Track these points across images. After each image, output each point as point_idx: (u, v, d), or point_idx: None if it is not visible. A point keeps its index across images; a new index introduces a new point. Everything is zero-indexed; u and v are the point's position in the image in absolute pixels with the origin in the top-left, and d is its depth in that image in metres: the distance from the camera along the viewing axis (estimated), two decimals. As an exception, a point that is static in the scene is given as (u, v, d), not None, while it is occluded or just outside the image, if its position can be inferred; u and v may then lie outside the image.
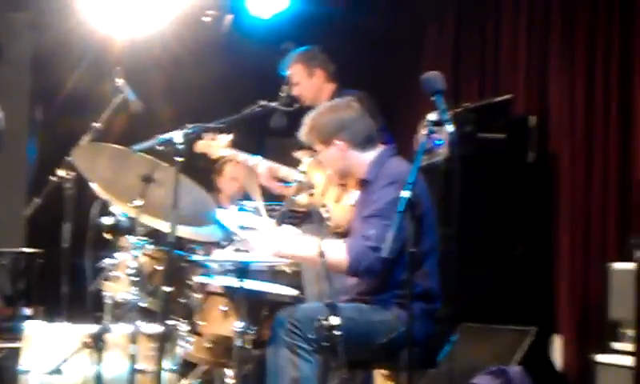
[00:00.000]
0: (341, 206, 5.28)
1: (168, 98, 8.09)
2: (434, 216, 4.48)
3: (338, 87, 5.73)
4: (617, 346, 5.00)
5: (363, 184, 4.56)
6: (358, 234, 4.28)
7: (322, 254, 4.01)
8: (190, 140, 4.26)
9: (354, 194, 5.23)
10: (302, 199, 5.07)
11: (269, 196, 6.17)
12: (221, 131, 6.01)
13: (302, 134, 4.66)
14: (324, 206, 4.95)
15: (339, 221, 5.10)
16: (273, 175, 5.88)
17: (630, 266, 4.99)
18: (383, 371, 4.81)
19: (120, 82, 5.35)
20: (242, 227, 4.86)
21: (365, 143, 4.55)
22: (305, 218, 5.80)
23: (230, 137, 6.08)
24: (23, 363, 4.36)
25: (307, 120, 4.67)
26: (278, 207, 5.86)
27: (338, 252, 4.24)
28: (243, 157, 6.09)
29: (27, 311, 7.20)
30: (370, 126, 4.60)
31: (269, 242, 4.32)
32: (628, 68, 6.03)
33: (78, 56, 8.38)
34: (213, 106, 6.42)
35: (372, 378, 4.88)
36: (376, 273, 4.22)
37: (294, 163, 5.64)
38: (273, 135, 6.40)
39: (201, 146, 6.20)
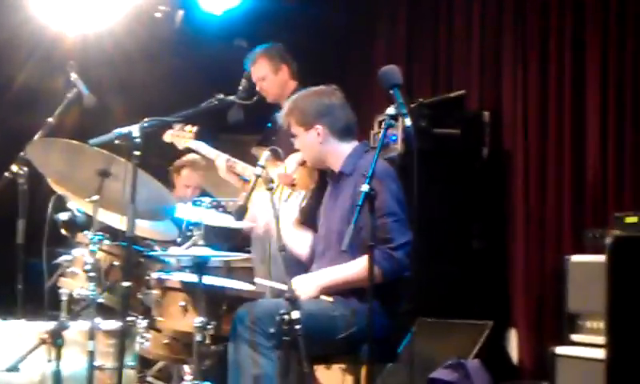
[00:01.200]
0: (288, 205, 5.27)
1: (120, 93, 8.01)
2: (406, 214, 4.42)
3: (299, 86, 5.71)
4: (575, 337, 5.04)
5: (337, 177, 4.54)
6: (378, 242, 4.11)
7: (282, 248, 3.99)
8: (147, 134, 4.21)
9: (301, 195, 5.23)
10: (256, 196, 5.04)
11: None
12: (183, 123, 5.99)
13: (282, 114, 4.62)
14: (272, 203, 4.90)
15: (287, 220, 5.09)
16: (231, 169, 5.86)
17: (587, 258, 5.04)
18: (342, 365, 4.80)
19: (73, 76, 5.27)
20: (197, 224, 4.84)
21: (344, 133, 4.53)
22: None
23: (195, 128, 6.06)
24: (-20, 361, 4.30)
25: (289, 101, 4.64)
26: (232, 202, 5.88)
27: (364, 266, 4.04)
28: (205, 149, 6.07)
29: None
30: (350, 117, 4.58)
31: (314, 281, 4.33)
32: (581, 64, 6.09)
33: (28, 51, 8.27)
34: (165, 101, 6.36)
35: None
36: (408, 268, 4.25)
37: (250, 159, 5.62)
38: (228, 131, 6.37)
39: (169, 136, 6.17)
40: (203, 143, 6.11)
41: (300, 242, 4.56)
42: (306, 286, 4.30)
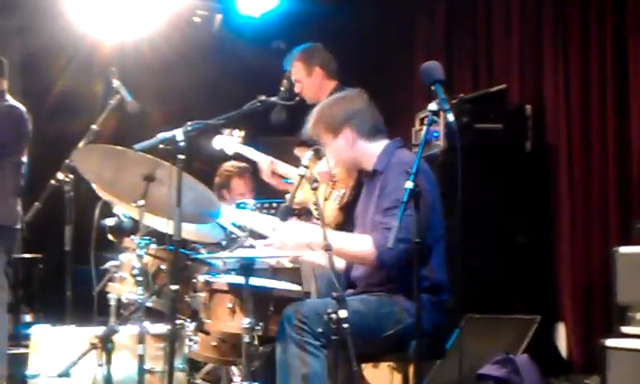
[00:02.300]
0: (329, 204, 5.27)
1: (159, 99, 8.07)
2: (440, 207, 4.44)
3: (339, 85, 5.70)
4: (626, 329, 4.98)
5: (371, 175, 4.53)
6: (381, 227, 4.23)
7: (328, 248, 3.98)
8: (190, 137, 4.22)
9: (341, 193, 5.23)
10: (299, 196, 5.04)
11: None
12: (224, 127, 6.03)
13: (309, 126, 4.61)
14: (315, 203, 4.90)
15: (328, 219, 5.09)
16: (274, 171, 5.89)
17: (635, 249, 4.99)
18: (391, 363, 4.80)
19: (116, 82, 5.31)
20: (238, 226, 4.85)
21: (373, 134, 4.51)
22: (302, 215, 5.78)
23: (243, 133, 6.10)
24: (31, 368, 4.33)
25: (314, 112, 4.64)
26: (276, 204, 5.89)
27: (364, 245, 4.21)
28: (251, 153, 6.10)
29: (28, 317, 7.20)
30: (377, 118, 4.57)
31: (298, 235, 4.30)
32: (623, 54, 6.05)
33: (67, 59, 8.36)
34: (204, 105, 6.41)
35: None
36: (402, 264, 4.16)
37: (293, 161, 5.63)
38: (270, 133, 6.39)
39: (218, 142, 6.22)
40: (250, 147, 6.15)
41: (362, 242, 4.50)
42: (291, 237, 4.29)
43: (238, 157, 6.47)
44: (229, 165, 6.79)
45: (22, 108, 5.92)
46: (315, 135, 4.59)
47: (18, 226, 5.86)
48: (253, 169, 6.47)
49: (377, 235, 4.19)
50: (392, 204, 4.21)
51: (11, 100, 5.94)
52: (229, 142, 6.19)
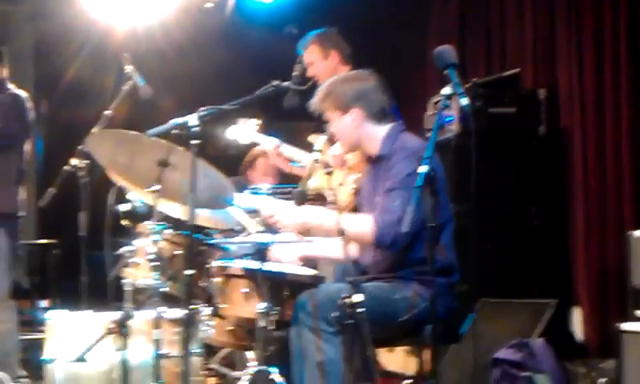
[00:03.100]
0: (344, 188, 5.27)
1: (171, 85, 8.06)
2: (447, 190, 4.44)
3: (353, 69, 5.69)
4: (641, 313, 4.99)
5: (375, 160, 4.52)
6: (381, 208, 4.24)
7: (342, 231, 3.98)
8: (204, 123, 4.22)
9: (355, 177, 5.23)
10: (313, 182, 5.04)
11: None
12: (239, 115, 6.02)
13: (317, 100, 4.58)
14: (330, 189, 4.91)
15: (343, 204, 5.09)
16: (279, 154, 5.90)
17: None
18: (405, 348, 4.79)
19: (129, 67, 5.31)
20: (254, 210, 4.85)
21: (380, 116, 4.50)
22: (317, 200, 5.79)
23: (259, 121, 6.09)
24: (48, 353, 4.35)
25: (324, 86, 4.61)
26: (290, 189, 5.88)
27: (363, 225, 4.22)
28: (261, 139, 6.11)
29: (44, 303, 7.22)
30: (386, 100, 4.55)
31: (294, 215, 4.29)
32: (636, 37, 6.02)
33: (80, 45, 8.37)
34: (217, 91, 6.38)
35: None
36: (401, 245, 4.18)
37: (306, 146, 5.63)
38: (283, 118, 6.38)
39: (232, 132, 6.21)
40: (262, 135, 6.16)
41: (361, 222, 4.49)
42: (288, 217, 4.31)
43: (252, 146, 6.46)
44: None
45: (25, 95, 5.91)
46: (322, 110, 4.57)
47: (22, 214, 5.89)
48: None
49: (376, 215, 4.20)
50: (392, 186, 4.24)
51: (12, 88, 5.92)
52: (243, 131, 6.16)
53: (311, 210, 4.34)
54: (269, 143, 6.05)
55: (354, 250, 4.52)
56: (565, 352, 5.48)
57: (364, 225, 4.22)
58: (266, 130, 6.23)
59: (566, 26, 6.61)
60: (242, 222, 4.80)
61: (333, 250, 4.37)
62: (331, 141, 4.79)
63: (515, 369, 5.17)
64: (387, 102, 4.57)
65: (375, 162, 4.53)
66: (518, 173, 6.47)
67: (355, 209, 5.15)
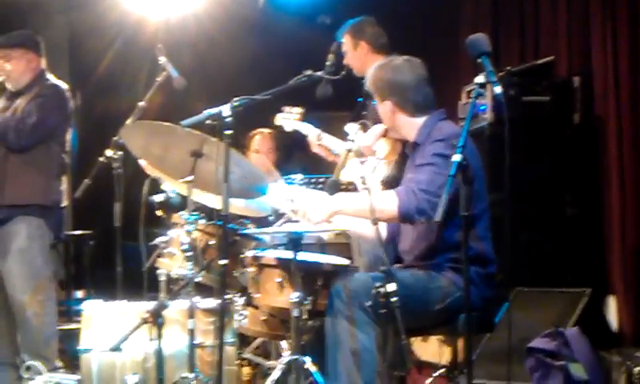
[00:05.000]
0: (374, 176, 5.25)
1: (204, 75, 8.09)
2: (483, 179, 4.42)
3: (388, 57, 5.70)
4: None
5: (412, 146, 4.52)
6: (406, 182, 4.25)
7: (375, 221, 3.97)
8: (237, 113, 4.23)
9: (385, 167, 5.23)
10: (346, 171, 5.04)
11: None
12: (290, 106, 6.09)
13: (366, 81, 4.66)
14: (361, 177, 4.89)
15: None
16: (320, 144, 5.93)
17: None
18: (440, 337, 4.78)
19: (162, 59, 5.33)
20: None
21: (415, 110, 4.48)
22: (349, 190, 5.79)
23: (303, 110, 6.13)
24: (83, 343, 4.38)
25: (370, 70, 4.67)
26: (324, 179, 5.90)
27: (388, 200, 4.20)
28: (304, 128, 6.14)
29: (79, 293, 7.28)
30: (423, 95, 4.51)
31: (327, 205, 4.29)
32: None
33: (113, 37, 8.41)
34: (249, 81, 6.40)
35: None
36: (428, 214, 4.11)
37: (341, 136, 5.63)
38: (317, 108, 6.39)
39: (279, 119, 6.29)
40: (304, 123, 6.19)
41: (387, 198, 4.45)
42: (318, 212, 4.29)
43: (295, 133, 6.49)
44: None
45: (64, 86, 5.94)
46: (371, 91, 4.63)
47: (64, 205, 5.91)
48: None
49: (400, 188, 4.23)
50: (420, 162, 4.27)
51: (52, 79, 5.95)
52: (288, 118, 6.21)
53: (344, 197, 4.33)
54: (311, 132, 6.07)
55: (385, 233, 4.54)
56: (599, 341, 5.45)
57: (389, 200, 4.21)
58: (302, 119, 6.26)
59: (601, 13, 6.54)
60: (280, 207, 4.81)
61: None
62: (364, 130, 4.79)
63: (550, 358, 5.15)
64: (427, 95, 4.53)
65: (412, 148, 4.54)
66: (552, 162, 6.42)
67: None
